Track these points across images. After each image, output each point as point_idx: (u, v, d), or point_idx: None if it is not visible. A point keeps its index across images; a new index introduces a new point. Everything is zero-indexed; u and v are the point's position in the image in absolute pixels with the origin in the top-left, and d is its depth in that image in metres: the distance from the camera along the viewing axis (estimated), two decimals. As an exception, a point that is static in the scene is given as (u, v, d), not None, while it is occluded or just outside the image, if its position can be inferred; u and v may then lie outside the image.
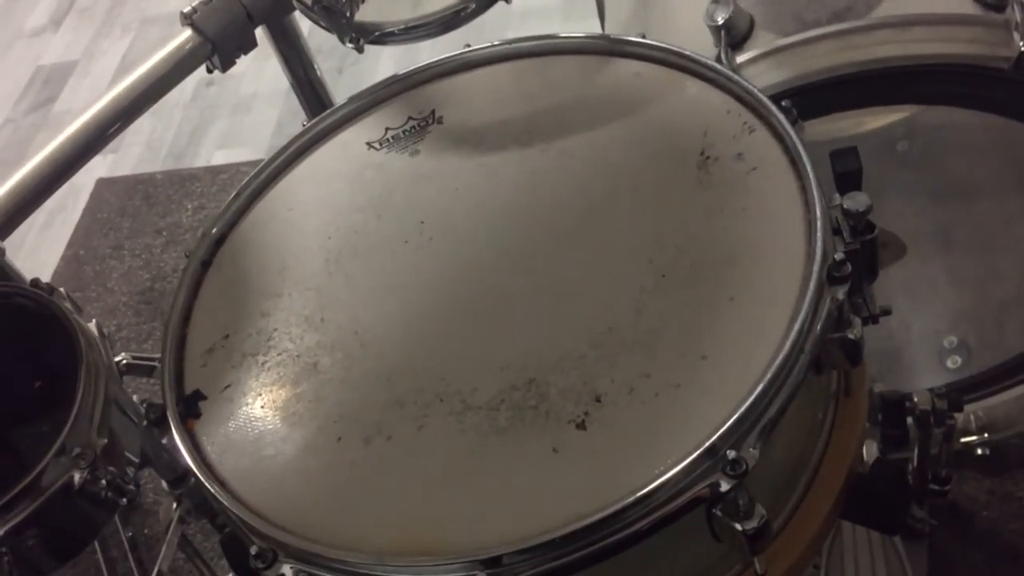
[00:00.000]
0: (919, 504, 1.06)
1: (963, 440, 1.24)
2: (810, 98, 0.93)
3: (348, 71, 2.06)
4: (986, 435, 1.24)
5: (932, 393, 0.96)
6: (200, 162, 2.01)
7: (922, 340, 1.32)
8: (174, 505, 1.18)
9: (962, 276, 1.32)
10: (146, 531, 1.49)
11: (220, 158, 2.00)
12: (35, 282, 0.77)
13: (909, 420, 0.97)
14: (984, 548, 1.21)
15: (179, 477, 1.10)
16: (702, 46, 0.92)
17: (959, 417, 1.08)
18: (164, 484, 1.12)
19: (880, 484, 0.67)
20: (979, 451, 1.24)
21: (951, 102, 1.00)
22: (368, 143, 0.81)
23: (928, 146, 1.26)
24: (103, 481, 0.70)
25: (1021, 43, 0.85)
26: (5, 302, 0.75)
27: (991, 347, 1.27)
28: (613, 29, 1.33)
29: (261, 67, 2.10)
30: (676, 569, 0.63)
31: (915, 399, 0.96)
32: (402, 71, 0.85)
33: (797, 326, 0.58)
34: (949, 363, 1.29)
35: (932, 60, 0.92)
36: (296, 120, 2.08)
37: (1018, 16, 0.87)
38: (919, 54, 0.92)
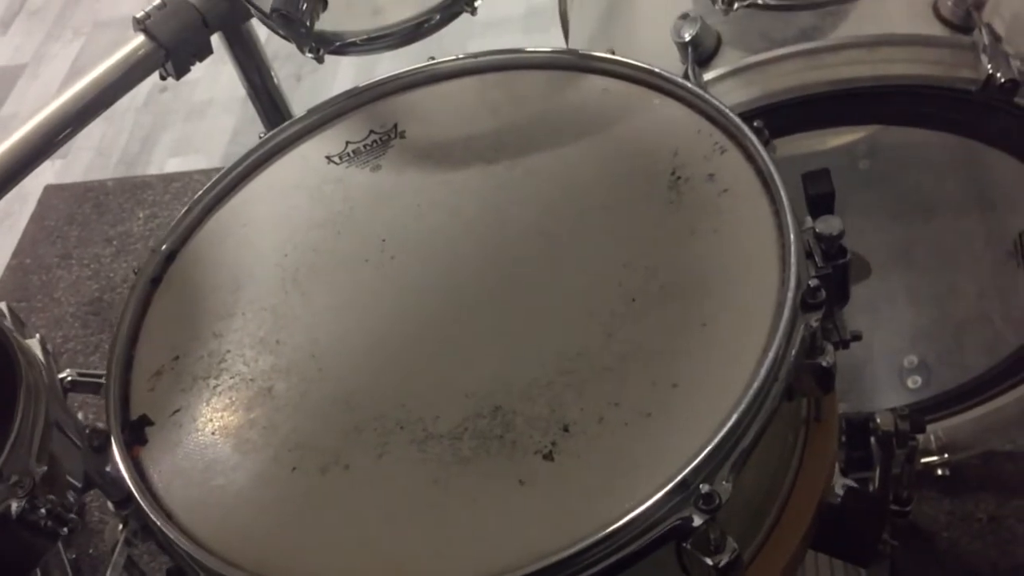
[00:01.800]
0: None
1: (923, 460, 1.24)
2: (777, 117, 0.92)
3: (307, 78, 2.02)
4: (946, 455, 1.24)
5: (895, 414, 0.96)
6: (153, 169, 1.96)
7: (882, 359, 1.31)
8: (120, 526, 1.14)
9: (922, 294, 1.32)
10: (91, 551, 1.44)
11: (173, 166, 1.95)
12: (-27, 299, 0.73)
13: (871, 441, 0.97)
14: (945, 569, 1.21)
15: (125, 498, 1.06)
16: (668, 63, 0.91)
17: (920, 437, 1.08)
18: (110, 504, 1.08)
19: (853, 515, 0.65)
20: (939, 471, 1.24)
21: (918, 123, 1.00)
22: (328, 157, 0.78)
23: (889, 164, 1.27)
24: (42, 510, 0.66)
25: (988, 65, 0.85)
26: (-60, 320, 0.71)
27: (951, 367, 1.27)
28: (578, 44, 1.31)
29: (217, 72, 2.06)
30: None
31: (878, 420, 0.96)
32: (364, 82, 0.82)
33: (772, 353, 0.57)
34: (910, 383, 1.29)
35: (900, 81, 0.92)
36: (253, 128, 2.04)
37: (985, 39, 0.86)
38: (887, 74, 0.92)
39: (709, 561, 0.55)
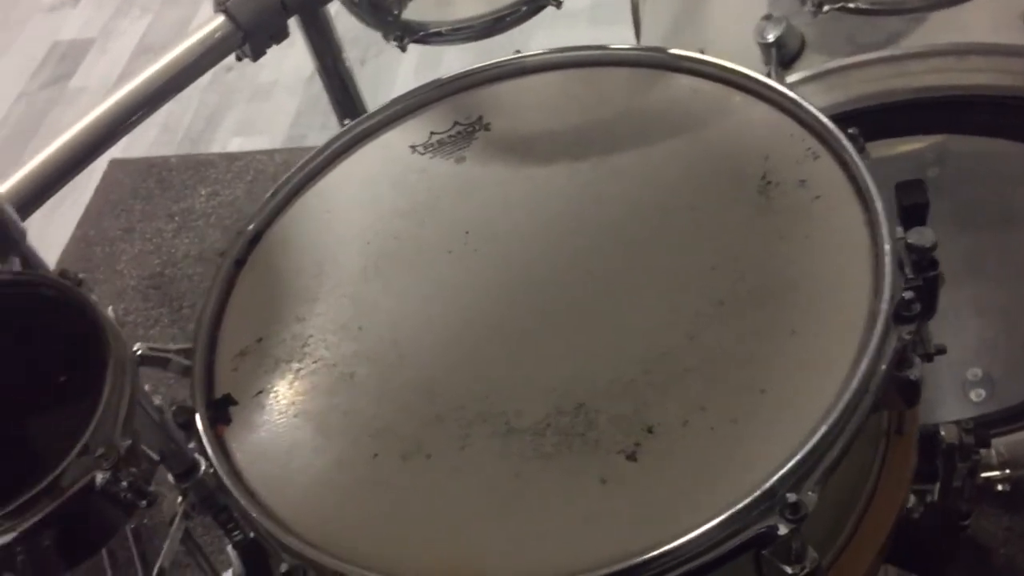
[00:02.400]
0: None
1: (984, 475, 1.22)
2: (858, 123, 0.91)
3: (371, 63, 2.03)
4: (1007, 471, 1.22)
5: (959, 427, 0.94)
6: (216, 148, 1.98)
7: (946, 370, 1.29)
8: (179, 499, 1.16)
9: (988, 306, 1.30)
10: (145, 521, 1.47)
11: (236, 145, 1.97)
12: (63, 272, 0.74)
13: (937, 453, 0.96)
14: (1002, 586, 1.19)
15: (186, 471, 1.07)
16: (748, 63, 0.90)
17: (983, 452, 1.06)
18: (170, 477, 1.09)
19: (931, 530, 0.64)
20: (999, 487, 1.23)
21: (999, 133, 0.98)
22: (412, 146, 0.79)
23: (959, 173, 1.24)
24: (124, 483, 0.67)
25: (1082, 78, 0.83)
26: (31, 291, 0.72)
27: (1016, 381, 1.25)
28: (650, 40, 1.30)
29: (282, 55, 2.06)
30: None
31: (942, 433, 0.95)
32: (427, 68, 0.83)
33: (863, 365, 0.56)
34: (973, 395, 1.27)
35: (985, 91, 0.91)
36: (315, 110, 2.06)
37: (1078, 50, 0.85)
38: (973, 84, 0.90)
39: (789, 570, 0.55)
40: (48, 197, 1.06)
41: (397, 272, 0.71)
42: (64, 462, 0.64)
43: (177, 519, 1.18)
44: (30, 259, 0.90)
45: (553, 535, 0.56)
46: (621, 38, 1.46)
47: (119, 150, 2.01)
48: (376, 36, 1.15)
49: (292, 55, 2.05)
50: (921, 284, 0.64)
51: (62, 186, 1.09)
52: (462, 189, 0.75)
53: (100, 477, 0.66)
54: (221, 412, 0.66)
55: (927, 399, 1.36)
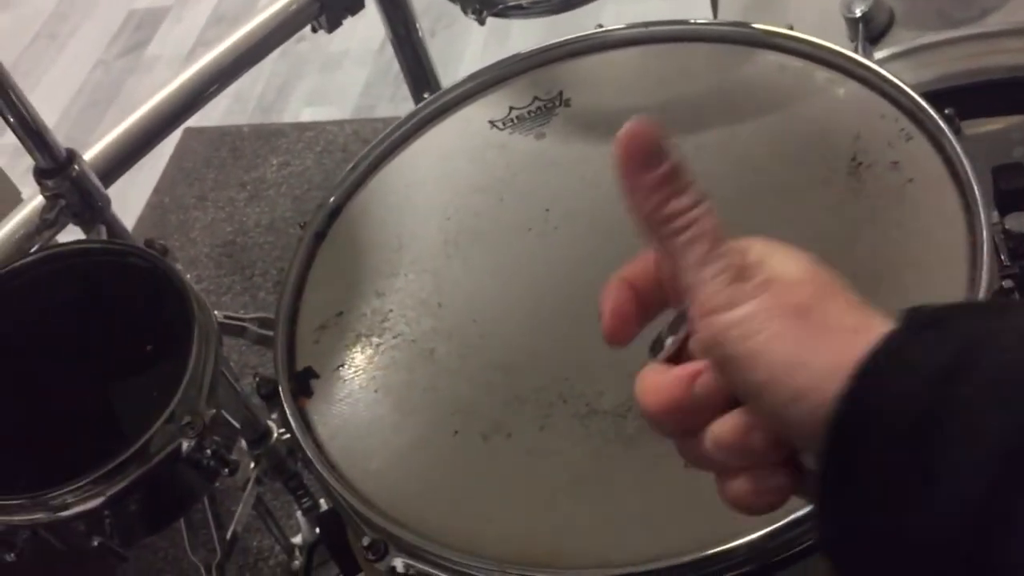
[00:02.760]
0: None
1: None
2: (948, 102, 0.88)
3: (440, 35, 2.03)
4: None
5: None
6: (287, 118, 2.00)
7: None
8: (252, 465, 1.18)
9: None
10: (218, 485, 1.51)
11: (307, 115, 1.99)
12: (149, 242, 0.76)
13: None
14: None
15: (260, 437, 1.09)
16: (833, 38, 0.88)
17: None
18: (243, 443, 1.12)
19: None
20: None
21: (1100, 113, 0.94)
22: (491, 122, 0.78)
23: (1048, 152, 1.20)
24: (208, 450, 0.69)
25: None
26: (119, 260, 0.74)
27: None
28: (728, 15, 1.28)
29: (353, 26, 2.07)
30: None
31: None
32: (497, 41, 0.82)
33: (958, 356, 0.54)
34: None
35: (1088, 69, 0.87)
36: (384, 81, 2.06)
37: None
38: (1075, 61, 0.87)
39: (874, 562, 0.54)
40: (129, 166, 1.08)
41: (477, 249, 0.71)
42: (151, 429, 0.66)
43: (250, 484, 1.20)
44: (114, 228, 0.92)
45: (633, 519, 0.55)
46: (696, 12, 1.44)
47: (193, 119, 2.04)
48: (446, 7, 1.15)
49: (362, 26, 2.05)
50: (1018, 272, 0.62)
51: (142, 155, 1.11)
52: (541, 165, 0.74)
53: (186, 445, 0.68)
54: (303, 385, 0.67)
55: None
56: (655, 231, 0.36)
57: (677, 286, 0.37)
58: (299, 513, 1.25)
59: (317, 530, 1.18)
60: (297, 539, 1.29)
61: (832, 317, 0.34)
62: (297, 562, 1.26)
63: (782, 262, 0.36)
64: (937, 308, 0.34)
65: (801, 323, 0.33)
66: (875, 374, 0.31)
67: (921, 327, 0.32)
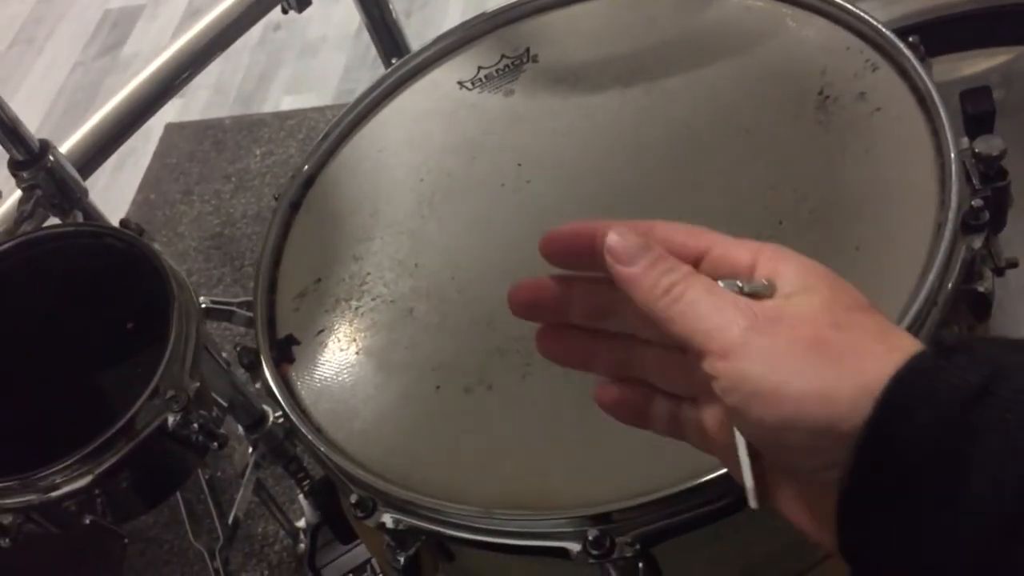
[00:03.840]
0: None
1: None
2: (923, 37, 0.88)
3: (416, 14, 2.02)
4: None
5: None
6: (268, 107, 1.99)
7: (1021, 294, 1.26)
8: (250, 450, 1.18)
9: (1061, 230, 1.25)
10: (219, 473, 1.51)
11: (288, 103, 1.98)
12: (124, 222, 0.76)
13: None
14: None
15: (256, 422, 1.09)
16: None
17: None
18: (240, 429, 1.12)
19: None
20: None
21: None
22: (460, 82, 0.78)
23: (1025, 93, 1.20)
24: (195, 424, 0.69)
25: None
26: (96, 242, 0.74)
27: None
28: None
29: (328, 10, 2.07)
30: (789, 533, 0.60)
31: None
32: (492, 8, 0.82)
33: (931, 277, 0.54)
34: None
35: (1055, -2, 0.87)
36: (364, 65, 2.06)
37: None
38: (1042, -9, 0.86)
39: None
40: (107, 156, 1.08)
41: (452, 207, 0.71)
42: (136, 405, 0.66)
43: (248, 469, 1.21)
44: (91, 215, 0.92)
45: (617, 460, 0.55)
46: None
47: (174, 114, 2.04)
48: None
49: (338, 10, 2.06)
50: (990, 195, 0.62)
51: (119, 145, 1.11)
52: (512, 122, 0.74)
53: (172, 419, 0.68)
54: (285, 351, 0.67)
55: (1008, 321, 1.33)
56: (660, 311, 0.36)
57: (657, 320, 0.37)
58: (301, 496, 1.25)
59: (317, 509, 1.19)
60: (301, 523, 1.29)
61: (852, 343, 0.33)
62: (303, 545, 1.27)
63: (793, 284, 0.36)
64: (960, 336, 0.34)
65: (822, 353, 0.33)
66: (908, 396, 0.31)
67: (950, 351, 0.32)
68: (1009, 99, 1.20)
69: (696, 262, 0.38)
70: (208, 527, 1.18)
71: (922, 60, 0.64)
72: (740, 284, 0.36)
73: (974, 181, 0.62)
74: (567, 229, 0.41)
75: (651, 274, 0.37)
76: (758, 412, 0.34)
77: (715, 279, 0.37)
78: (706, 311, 0.35)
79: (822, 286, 0.36)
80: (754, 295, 0.36)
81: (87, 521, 0.67)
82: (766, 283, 0.36)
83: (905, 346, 0.33)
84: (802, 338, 0.33)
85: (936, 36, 0.90)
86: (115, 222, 1.83)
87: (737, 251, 0.38)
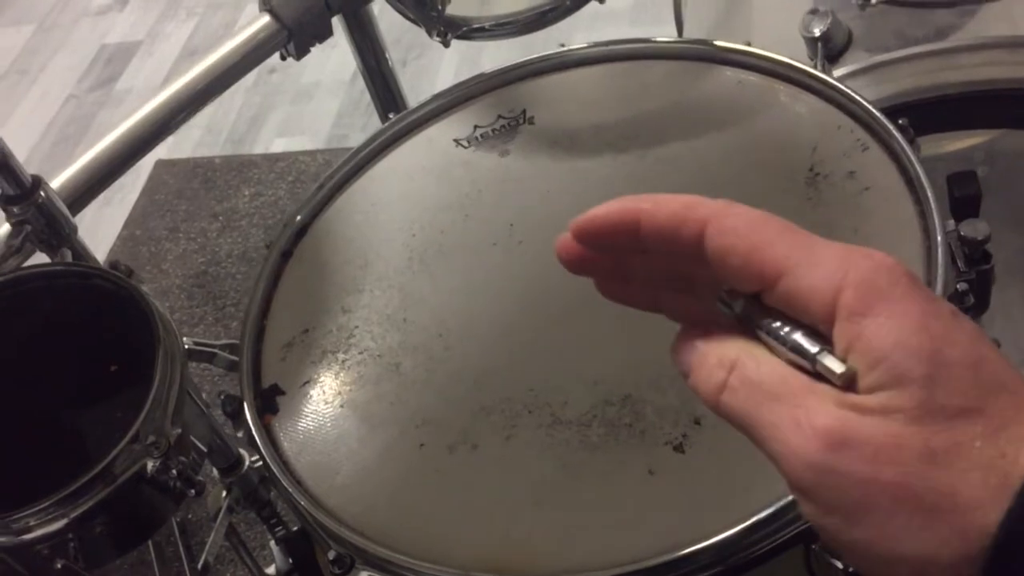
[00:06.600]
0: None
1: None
2: (908, 117, 0.90)
3: (412, 64, 2.04)
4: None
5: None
6: (259, 148, 2.00)
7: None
8: (224, 493, 1.17)
9: (1039, 307, 1.27)
10: (190, 516, 1.49)
11: (279, 146, 1.99)
12: (114, 264, 0.75)
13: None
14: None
15: (232, 465, 1.08)
16: (794, 59, 0.90)
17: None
18: (215, 472, 1.10)
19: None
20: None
21: (1055, 128, 0.96)
22: (456, 140, 0.79)
23: (1009, 172, 1.22)
24: (174, 471, 0.68)
25: None
26: (84, 282, 0.73)
27: (1069, 383, 1.22)
28: (693, 35, 1.30)
29: (325, 56, 2.09)
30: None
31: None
32: (466, 70, 0.83)
33: (915, 357, 0.55)
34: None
35: (1041, 84, 0.89)
36: (356, 111, 2.08)
37: None
38: (1026, 77, 0.89)
39: (839, 564, 0.54)
40: (97, 193, 1.08)
41: (442, 264, 0.71)
42: (116, 449, 0.65)
43: (221, 513, 1.19)
44: (80, 253, 0.92)
45: (601, 526, 0.55)
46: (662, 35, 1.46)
47: (164, 151, 2.04)
48: (417, 38, 1.16)
49: (334, 56, 2.08)
50: (974, 277, 0.63)
51: (111, 183, 1.11)
52: (506, 182, 0.75)
53: (151, 465, 0.67)
54: (269, 402, 0.66)
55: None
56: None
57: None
58: (272, 542, 1.24)
59: (290, 560, 1.17)
60: (271, 569, 1.27)
61: (950, 486, 0.27)
62: (271, 592, 1.25)
63: (879, 371, 0.28)
64: None
65: (913, 508, 0.27)
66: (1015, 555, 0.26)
67: None
68: (992, 176, 1.22)
69: (764, 287, 0.31)
70: (177, 571, 1.16)
71: (911, 142, 0.66)
72: (814, 352, 0.29)
73: (959, 264, 0.63)
74: (601, 211, 0.37)
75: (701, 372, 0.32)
76: (847, 558, 0.30)
77: (782, 328, 0.30)
78: (773, 418, 0.29)
79: (918, 372, 0.27)
80: (826, 376, 0.29)
81: (58, 566, 0.66)
82: (845, 369, 0.28)
83: (1015, 477, 0.26)
84: (885, 485, 0.27)
85: (924, 116, 0.92)
86: (101, 256, 1.83)
87: (814, 278, 0.30)
